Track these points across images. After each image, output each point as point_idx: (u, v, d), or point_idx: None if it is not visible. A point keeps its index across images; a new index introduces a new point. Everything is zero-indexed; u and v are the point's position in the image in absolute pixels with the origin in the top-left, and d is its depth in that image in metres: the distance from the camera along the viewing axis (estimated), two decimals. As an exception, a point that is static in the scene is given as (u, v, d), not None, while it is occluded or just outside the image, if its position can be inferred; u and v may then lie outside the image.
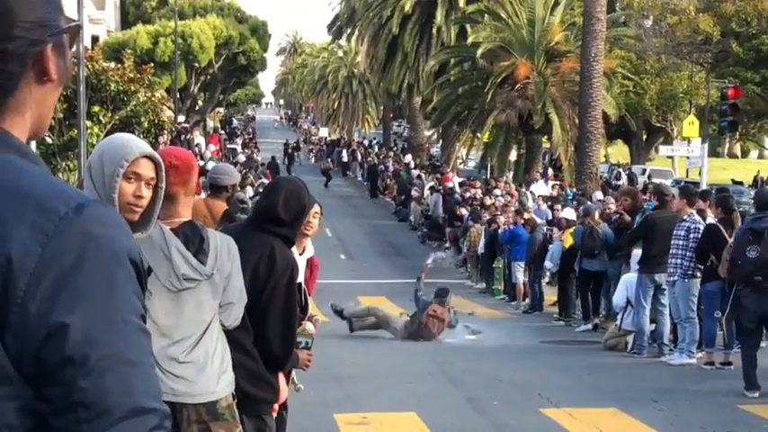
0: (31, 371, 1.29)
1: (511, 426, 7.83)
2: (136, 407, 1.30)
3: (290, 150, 57.65)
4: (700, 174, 31.77)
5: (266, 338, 3.97)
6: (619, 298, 12.29)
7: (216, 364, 3.57)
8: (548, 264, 16.08)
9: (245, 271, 3.77)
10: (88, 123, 20.45)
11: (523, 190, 27.03)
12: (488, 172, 38.96)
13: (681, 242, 10.65)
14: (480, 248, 22.22)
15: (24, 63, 1.37)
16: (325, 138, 67.39)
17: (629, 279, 12.18)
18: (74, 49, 1.61)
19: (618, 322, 12.30)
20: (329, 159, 54.84)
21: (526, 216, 18.86)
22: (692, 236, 10.57)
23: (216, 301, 3.64)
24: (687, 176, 40.23)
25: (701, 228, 10.59)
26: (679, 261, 10.66)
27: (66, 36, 1.44)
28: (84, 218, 1.32)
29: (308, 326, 5.17)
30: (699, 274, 10.58)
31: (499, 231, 19.81)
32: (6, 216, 1.30)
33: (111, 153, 3.22)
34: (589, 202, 17.97)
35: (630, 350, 11.76)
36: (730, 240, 9.69)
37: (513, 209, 20.74)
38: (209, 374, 3.54)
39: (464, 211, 25.54)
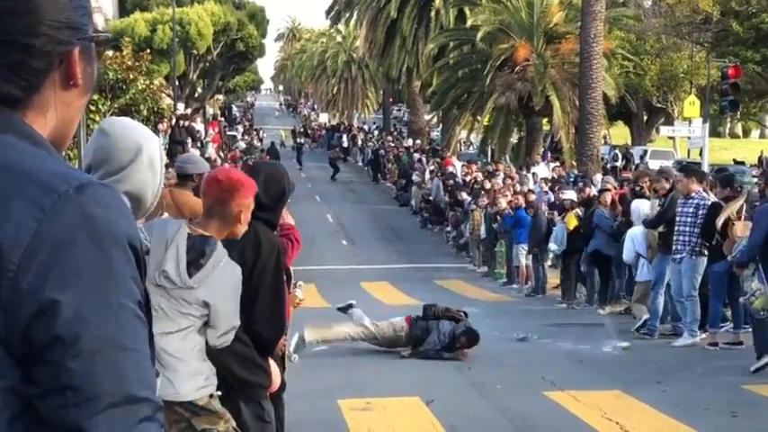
0: (20, 350, 1.25)
1: (514, 409, 7.81)
2: (127, 394, 1.26)
3: (298, 140, 55.20)
4: (701, 154, 31.70)
5: (256, 323, 3.96)
6: (627, 252, 12.32)
7: (186, 369, 3.64)
8: (552, 246, 16.01)
9: (231, 255, 3.79)
10: (88, 111, 20.38)
11: (524, 172, 26.97)
12: (489, 155, 38.86)
13: (689, 219, 10.62)
14: (482, 233, 22.19)
15: (50, 62, 1.37)
16: (324, 123, 67.21)
17: (633, 233, 12.24)
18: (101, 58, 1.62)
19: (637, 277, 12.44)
20: (337, 148, 51.87)
21: (531, 198, 18.82)
22: (700, 212, 10.56)
23: (194, 314, 3.70)
24: (688, 157, 40.13)
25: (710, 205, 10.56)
26: (687, 238, 10.65)
27: (94, 45, 1.44)
28: (85, 197, 1.30)
29: (298, 292, 5.34)
30: (706, 253, 10.56)
31: (503, 215, 19.74)
32: (5, 191, 1.28)
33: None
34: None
35: (640, 330, 11.71)
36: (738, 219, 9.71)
37: (512, 191, 20.68)
38: (178, 377, 3.63)
39: (465, 196, 25.48)
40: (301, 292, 5.44)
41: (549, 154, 33.50)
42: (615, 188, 15.87)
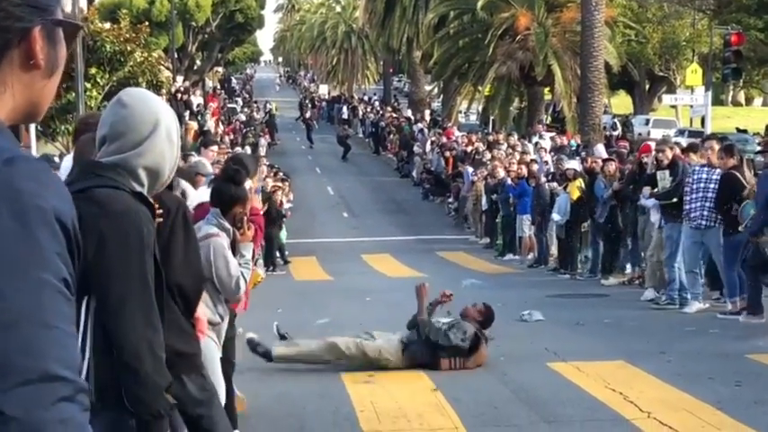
0: None
1: (518, 381, 7.77)
2: (44, 372, 1.21)
3: (307, 115, 52.60)
4: (703, 122, 31.54)
5: (177, 279, 3.86)
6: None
7: None
8: (555, 216, 15.91)
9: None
10: (86, 86, 20.25)
11: (526, 142, 26.84)
12: (490, 125, 38.70)
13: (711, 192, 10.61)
14: (483, 204, 22.11)
15: (7, 39, 1.34)
16: (321, 95, 66.81)
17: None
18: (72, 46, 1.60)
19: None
20: (345, 125, 48.30)
21: (533, 168, 18.72)
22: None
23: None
24: (691, 125, 39.96)
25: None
26: (713, 208, 10.61)
27: (61, 30, 1.41)
28: (14, 170, 1.27)
29: (260, 270, 5.33)
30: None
31: (504, 185, 19.65)
32: None
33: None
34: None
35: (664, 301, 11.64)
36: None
37: (515, 161, 20.57)
38: None
39: (468, 168, 25.37)
40: (263, 271, 5.52)
41: (542, 125, 33.25)
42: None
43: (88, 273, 2.80)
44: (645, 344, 9.15)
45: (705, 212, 10.71)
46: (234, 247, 5.09)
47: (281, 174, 21.02)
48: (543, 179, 17.97)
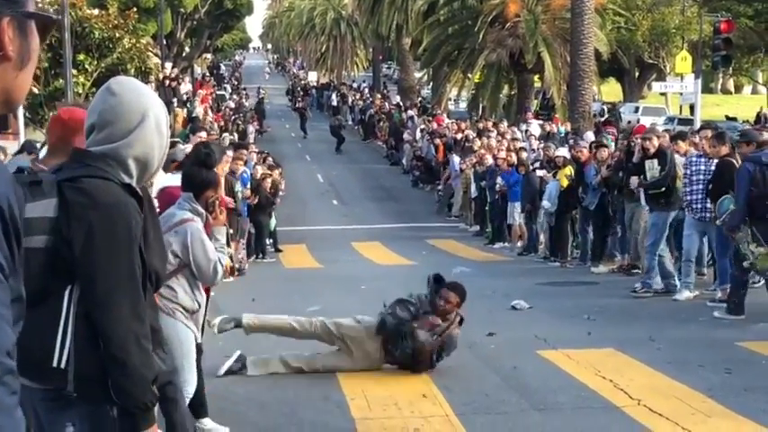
0: None
1: (508, 368, 7.77)
2: None
3: (300, 104, 50.86)
4: (692, 110, 31.58)
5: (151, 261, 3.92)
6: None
7: None
8: (545, 203, 15.90)
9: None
10: (74, 72, 20.12)
11: (516, 129, 26.84)
12: (479, 113, 38.67)
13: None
14: (473, 191, 22.11)
15: None
16: (310, 82, 66.51)
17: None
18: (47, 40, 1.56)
19: None
20: (339, 115, 46.42)
21: (522, 155, 18.70)
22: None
23: None
24: (680, 113, 40.03)
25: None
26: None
27: (33, 23, 1.39)
28: None
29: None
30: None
31: (496, 172, 19.65)
32: None
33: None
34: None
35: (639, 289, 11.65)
36: None
37: (503, 148, 20.55)
38: None
39: (455, 157, 25.35)
40: (226, 258, 5.57)
41: (531, 112, 33.28)
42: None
43: (75, 263, 2.78)
44: (635, 332, 9.16)
45: (708, 204, 10.70)
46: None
47: (270, 160, 20.89)
48: (532, 167, 17.97)
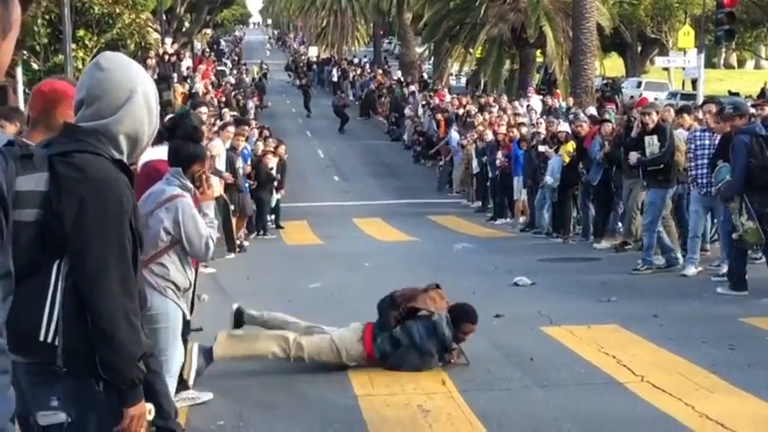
0: None
1: (510, 345, 7.75)
2: None
3: (303, 81, 49.08)
4: (695, 85, 31.42)
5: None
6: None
7: None
8: (548, 179, 15.83)
9: None
10: (74, 47, 20.02)
11: (517, 104, 26.72)
12: (481, 88, 38.51)
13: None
14: (474, 167, 22.04)
15: None
16: (310, 58, 66.12)
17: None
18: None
19: None
20: (342, 93, 44.53)
21: (523, 131, 18.63)
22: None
23: None
24: (683, 88, 39.87)
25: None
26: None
27: None
28: None
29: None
30: None
31: (492, 146, 19.59)
32: None
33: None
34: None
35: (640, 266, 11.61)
36: None
37: (503, 123, 20.46)
38: None
39: (453, 133, 25.24)
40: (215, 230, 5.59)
41: (532, 87, 33.10)
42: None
43: (66, 237, 2.78)
44: (638, 308, 9.14)
45: (712, 179, 10.66)
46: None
47: (271, 138, 20.74)
48: (534, 142, 17.90)
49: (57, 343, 2.80)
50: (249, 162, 16.32)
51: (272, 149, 18.46)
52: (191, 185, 5.03)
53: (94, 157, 2.83)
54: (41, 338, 2.79)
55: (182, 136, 5.25)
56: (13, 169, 2.55)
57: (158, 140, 6.43)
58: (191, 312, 5.36)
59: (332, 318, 8.66)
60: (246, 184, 15.94)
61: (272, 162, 18.45)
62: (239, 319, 7.38)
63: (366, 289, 10.63)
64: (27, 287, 2.77)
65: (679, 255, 11.64)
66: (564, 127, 16.35)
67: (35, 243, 2.77)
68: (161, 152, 5.68)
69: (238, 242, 14.76)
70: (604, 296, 9.82)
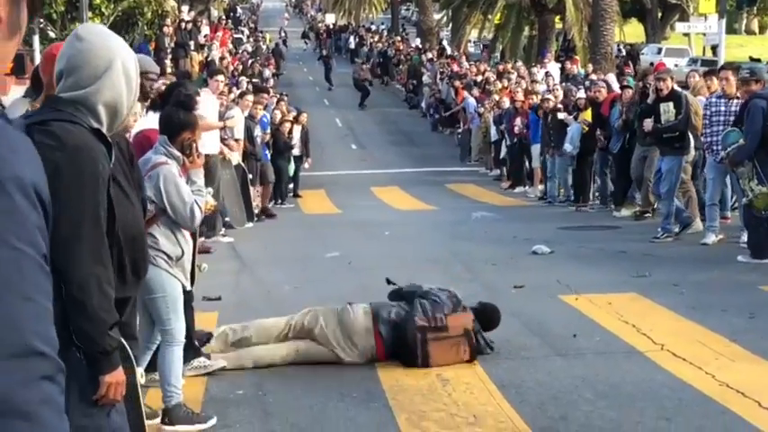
0: None
1: (529, 313, 7.73)
2: (24, 345, 1.13)
3: (324, 51, 47.30)
4: (715, 51, 31.07)
5: None
6: None
7: None
8: (567, 147, 15.69)
9: None
10: (90, 15, 20.00)
11: (535, 71, 26.51)
12: (499, 55, 38.22)
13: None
14: (493, 134, 21.92)
15: None
16: (328, 25, 65.70)
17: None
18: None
19: None
20: (364, 65, 40.87)
21: (539, 98, 18.48)
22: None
23: None
24: (704, 54, 39.44)
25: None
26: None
27: None
28: None
29: (209, 198, 5.41)
30: None
31: (510, 114, 19.47)
32: None
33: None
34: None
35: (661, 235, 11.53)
36: None
37: (520, 90, 20.29)
38: None
39: (470, 99, 25.07)
40: (212, 198, 5.57)
41: (550, 53, 32.78)
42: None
43: None
44: (657, 276, 9.08)
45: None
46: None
47: (291, 108, 20.59)
48: (552, 109, 17.75)
49: None
50: (269, 130, 16.28)
51: (290, 119, 18.38)
52: (178, 154, 4.99)
53: (72, 125, 2.85)
54: None
55: (174, 103, 5.22)
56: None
57: (151, 108, 6.41)
58: (192, 282, 5.36)
59: (350, 286, 8.69)
60: (267, 153, 15.92)
61: (296, 131, 18.41)
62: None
63: (384, 258, 10.64)
64: None
65: (697, 220, 11.57)
66: (581, 94, 16.21)
67: None
68: (153, 121, 5.65)
69: (256, 211, 14.76)
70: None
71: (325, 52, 46.94)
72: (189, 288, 5.27)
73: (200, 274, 5.90)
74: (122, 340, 3.70)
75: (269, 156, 16.05)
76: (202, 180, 5.08)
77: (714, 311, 7.58)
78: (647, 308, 7.85)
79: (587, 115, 15.34)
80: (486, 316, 6.73)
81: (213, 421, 5.20)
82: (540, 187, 18.35)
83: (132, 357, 3.70)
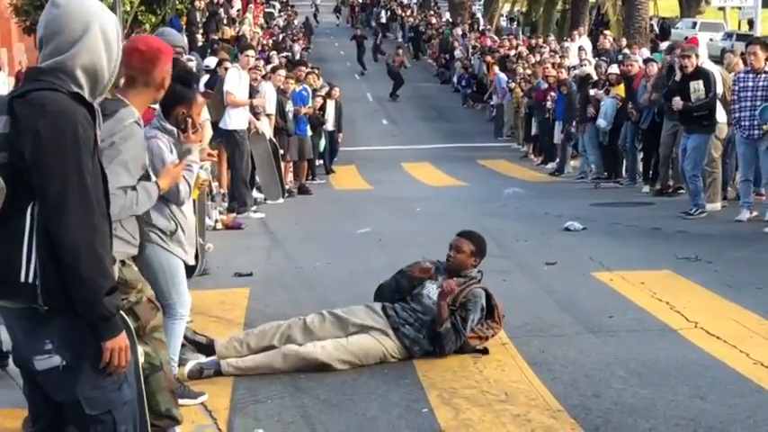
0: None
1: (561, 290, 7.69)
2: None
3: (358, 31, 43.42)
4: (751, 25, 30.60)
5: None
6: None
7: None
8: (601, 122, 15.53)
9: None
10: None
11: (566, 45, 26.25)
12: (529, 29, 37.89)
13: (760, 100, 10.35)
14: (525, 109, 21.77)
15: None
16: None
17: None
18: None
19: None
20: (399, 50, 36.21)
21: (562, 75, 18.32)
22: None
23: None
24: (739, 28, 38.86)
25: None
26: None
27: None
28: None
29: (202, 173, 5.44)
30: None
31: (539, 89, 19.34)
32: None
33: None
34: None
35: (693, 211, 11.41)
36: None
37: (548, 65, 20.11)
38: None
39: (501, 75, 24.88)
40: (205, 173, 5.55)
41: (581, 27, 32.42)
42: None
43: (28, 175, 2.81)
44: (691, 253, 8.99)
45: (756, 122, 10.41)
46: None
47: (324, 84, 20.48)
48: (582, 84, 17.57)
49: (37, 283, 2.83)
50: (310, 104, 16.18)
51: (322, 94, 18.34)
52: (171, 128, 4.97)
53: (50, 92, 2.85)
54: (22, 279, 2.83)
55: (173, 77, 5.23)
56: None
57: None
58: (197, 259, 5.34)
59: (380, 262, 8.68)
60: (307, 127, 15.82)
61: (329, 106, 18.37)
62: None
63: (415, 234, 10.62)
64: (5, 231, 2.83)
65: (717, 203, 11.50)
66: (614, 68, 16.02)
67: (6, 186, 2.82)
68: None
69: (288, 186, 14.78)
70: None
71: (359, 31, 43.74)
72: (191, 263, 5.25)
73: (208, 254, 5.85)
74: (124, 316, 3.71)
75: (308, 131, 15.96)
76: (197, 155, 5.03)
77: (749, 289, 7.51)
78: (681, 285, 7.78)
79: (620, 90, 15.18)
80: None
81: (204, 398, 5.19)
82: (573, 163, 18.18)
83: (134, 333, 3.66)
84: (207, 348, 5.90)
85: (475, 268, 6.39)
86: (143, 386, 3.78)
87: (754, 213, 10.82)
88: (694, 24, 39.98)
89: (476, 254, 6.39)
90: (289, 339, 5.93)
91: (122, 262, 4.02)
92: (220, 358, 5.80)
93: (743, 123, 10.61)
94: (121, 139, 3.95)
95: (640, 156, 14.87)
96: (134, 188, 4.07)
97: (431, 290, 6.16)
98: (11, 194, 2.83)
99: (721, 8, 42.22)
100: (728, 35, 36.87)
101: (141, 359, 3.83)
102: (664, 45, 21.46)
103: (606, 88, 15.73)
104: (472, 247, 6.39)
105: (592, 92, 16.25)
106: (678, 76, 11.68)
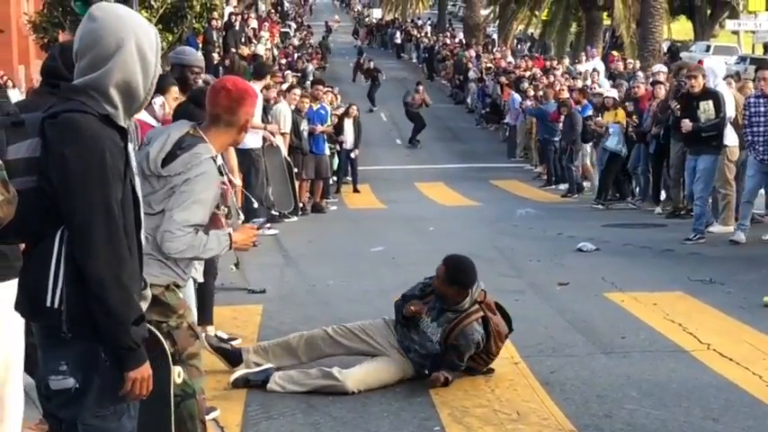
0: None
1: (573, 310, 7.70)
2: None
3: (370, 64, 38.12)
4: (766, 49, 30.61)
5: None
6: None
7: (147, 252, 3.57)
8: (617, 148, 15.46)
9: None
10: (140, 9, 20.18)
11: (579, 67, 26.27)
12: (542, 51, 37.95)
13: None
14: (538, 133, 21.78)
15: None
16: (374, 20, 65.62)
17: None
18: None
19: None
20: (419, 85, 30.05)
21: (563, 96, 18.36)
22: None
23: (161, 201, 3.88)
24: (753, 52, 38.86)
25: None
26: None
27: None
28: None
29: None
30: None
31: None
32: None
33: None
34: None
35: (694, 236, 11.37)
36: None
37: (559, 86, 20.14)
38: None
39: (516, 96, 24.93)
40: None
41: (595, 49, 32.47)
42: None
43: (57, 200, 2.77)
44: (704, 275, 8.98)
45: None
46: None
47: (341, 104, 20.53)
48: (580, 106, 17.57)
49: (62, 308, 2.80)
50: (329, 122, 16.29)
51: (337, 113, 18.40)
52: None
53: (80, 115, 2.77)
54: (48, 304, 2.80)
55: (188, 98, 5.29)
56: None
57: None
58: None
59: (393, 281, 8.70)
60: (327, 146, 15.92)
61: (347, 125, 18.47)
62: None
63: (428, 253, 10.62)
64: (35, 254, 2.83)
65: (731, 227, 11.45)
66: (611, 93, 16.00)
67: (37, 211, 2.78)
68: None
69: (301, 205, 14.82)
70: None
71: (371, 65, 38.01)
72: (200, 280, 5.23)
73: (232, 273, 5.89)
74: (161, 338, 3.67)
75: (327, 150, 16.05)
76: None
77: (762, 311, 7.50)
78: (693, 306, 7.78)
79: (620, 116, 15.16)
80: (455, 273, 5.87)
81: (216, 413, 5.17)
82: (587, 184, 18.14)
83: (169, 357, 3.65)
84: (234, 357, 5.97)
85: (466, 300, 5.87)
86: (172, 405, 3.73)
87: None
88: (708, 48, 40.04)
89: (448, 282, 5.81)
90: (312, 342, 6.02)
91: (166, 287, 3.95)
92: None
93: (756, 148, 10.63)
94: (197, 176, 3.86)
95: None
96: (207, 232, 3.95)
97: (426, 323, 5.89)
98: (41, 220, 2.79)
99: (735, 32, 42.30)
100: (742, 59, 36.88)
101: (179, 380, 3.78)
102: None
103: (598, 113, 15.81)
104: (444, 271, 5.85)
105: (590, 124, 16.31)
106: (685, 98, 11.68)
